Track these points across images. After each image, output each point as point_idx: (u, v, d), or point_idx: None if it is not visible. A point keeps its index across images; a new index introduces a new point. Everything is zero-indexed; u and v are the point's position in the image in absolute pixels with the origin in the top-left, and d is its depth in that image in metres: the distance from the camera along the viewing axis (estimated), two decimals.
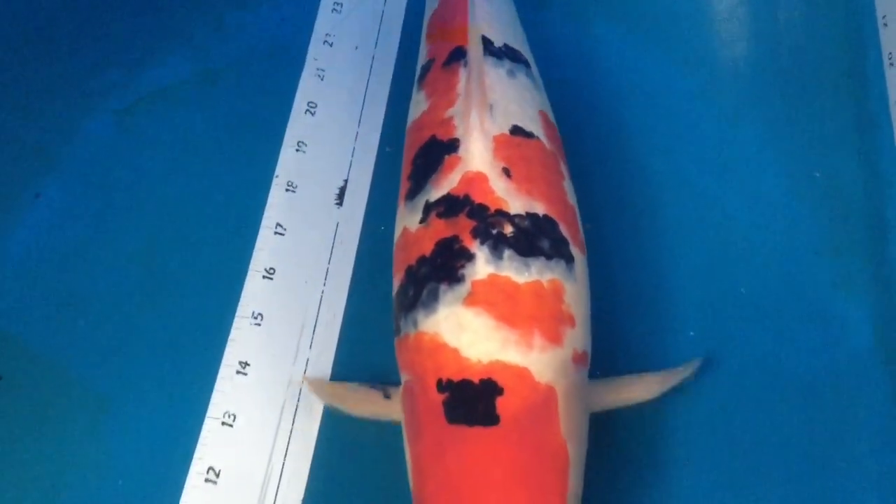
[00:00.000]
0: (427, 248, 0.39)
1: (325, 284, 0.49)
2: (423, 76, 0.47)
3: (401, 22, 0.58)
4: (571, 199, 0.43)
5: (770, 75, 0.57)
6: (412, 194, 0.42)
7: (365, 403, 0.43)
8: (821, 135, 0.54)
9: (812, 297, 0.48)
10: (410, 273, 0.40)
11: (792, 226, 0.51)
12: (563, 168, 0.44)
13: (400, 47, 0.57)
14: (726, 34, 0.59)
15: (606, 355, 0.43)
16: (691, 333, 0.47)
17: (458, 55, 0.45)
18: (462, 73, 0.44)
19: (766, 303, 0.48)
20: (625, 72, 0.57)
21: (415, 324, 0.38)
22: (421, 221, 0.40)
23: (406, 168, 0.44)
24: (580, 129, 0.52)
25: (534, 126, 0.43)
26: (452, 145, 0.41)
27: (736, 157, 0.53)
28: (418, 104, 0.46)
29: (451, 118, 0.43)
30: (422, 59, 0.49)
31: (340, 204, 0.51)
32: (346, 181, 0.52)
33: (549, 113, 0.46)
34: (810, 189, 0.52)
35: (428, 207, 0.40)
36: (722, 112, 0.55)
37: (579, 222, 0.43)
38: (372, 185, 0.52)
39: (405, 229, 0.42)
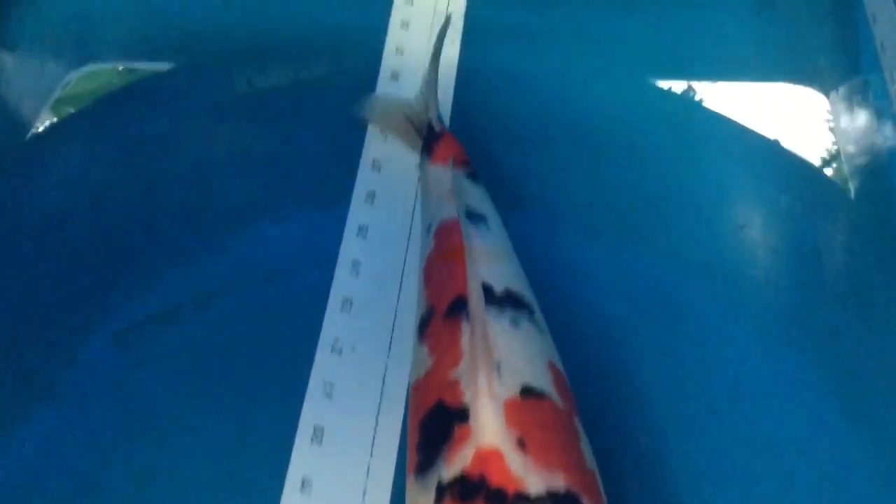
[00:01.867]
0: None
1: None
2: (423, 328, 0.45)
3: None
4: (590, 461, 0.40)
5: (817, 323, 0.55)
6: (422, 469, 0.39)
7: None
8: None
9: None
10: None
11: (844, 453, 0.49)
12: (578, 424, 0.41)
13: None
14: (767, 275, 0.58)
15: None
16: None
17: (460, 306, 0.43)
18: (465, 328, 0.42)
19: None
20: (637, 288, 0.55)
21: None
22: (435, 503, 0.38)
23: (413, 434, 0.41)
24: (592, 358, 0.50)
25: (544, 382, 0.41)
26: (462, 413, 0.39)
27: (777, 385, 0.51)
28: (421, 360, 0.44)
29: (457, 381, 0.40)
30: (421, 308, 0.47)
31: None
32: None
33: (556, 361, 0.43)
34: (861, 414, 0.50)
35: (441, 489, 0.38)
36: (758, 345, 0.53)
37: (600, 487, 0.40)
38: None
39: None
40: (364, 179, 0.60)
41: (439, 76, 0.59)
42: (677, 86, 0.67)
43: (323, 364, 0.52)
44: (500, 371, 0.39)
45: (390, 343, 0.53)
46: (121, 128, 0.66)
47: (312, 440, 0.49)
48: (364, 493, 0.47)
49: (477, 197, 0.52)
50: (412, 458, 0.41)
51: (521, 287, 0.46)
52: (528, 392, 0.40)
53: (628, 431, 0.50)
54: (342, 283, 0.55)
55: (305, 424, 0.49)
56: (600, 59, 0.68)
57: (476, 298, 0.42)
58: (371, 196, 0.59)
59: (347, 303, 0.54)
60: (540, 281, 0.47)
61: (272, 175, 0.63)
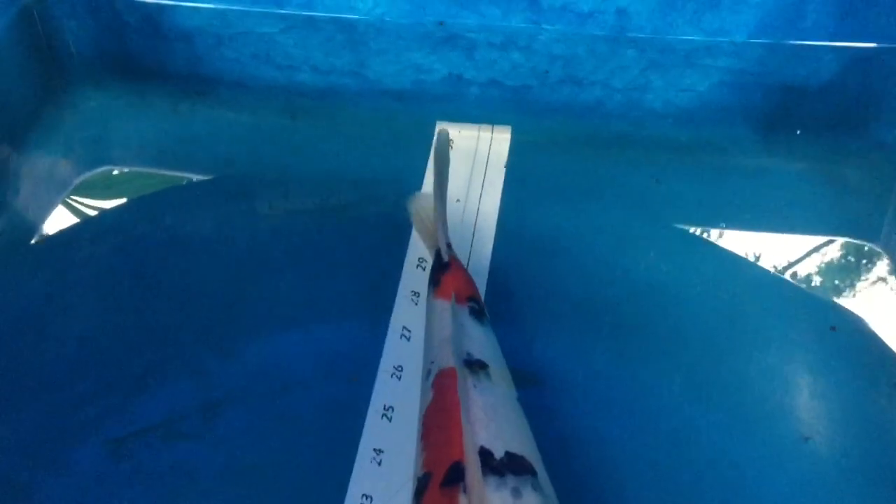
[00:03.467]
0: None
1: None
2: (419, 496, 0.40)
3: None
4: None
5: None
6: None
7: None
8: None
9: None
10: None
11: None
12: None
13: None
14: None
15: None
16: None
17: (457, 475, 0.38)
18: (462, 502, 0.37)
19: None
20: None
21: None
22: None
23: None
24: None
25: None
26: None
27: None
28: None
29: None
30: (418, 469, 0.41)
31: None
32: None
33: None
34: None
35: None
36: None
37: None
38: None
39: None
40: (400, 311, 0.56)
41: (479, 222, 0.59)
42: (724, 241, 0.66)
43: (359, 477, 0.45)
44: None
45: None
46: (127, 234, 0.64)
47: None
48: None
49: (479, 340, 0.47)
50: None
51: (523, 447, 0.41)
52: None
53: None
54: (383, 390, 0.50)
55: None
56: (643, 213, 0.67)
57: (473, 471, 0.38)
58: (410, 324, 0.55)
59: (388, 410, 0.48)
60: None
61: (290, 284, 0.60)
